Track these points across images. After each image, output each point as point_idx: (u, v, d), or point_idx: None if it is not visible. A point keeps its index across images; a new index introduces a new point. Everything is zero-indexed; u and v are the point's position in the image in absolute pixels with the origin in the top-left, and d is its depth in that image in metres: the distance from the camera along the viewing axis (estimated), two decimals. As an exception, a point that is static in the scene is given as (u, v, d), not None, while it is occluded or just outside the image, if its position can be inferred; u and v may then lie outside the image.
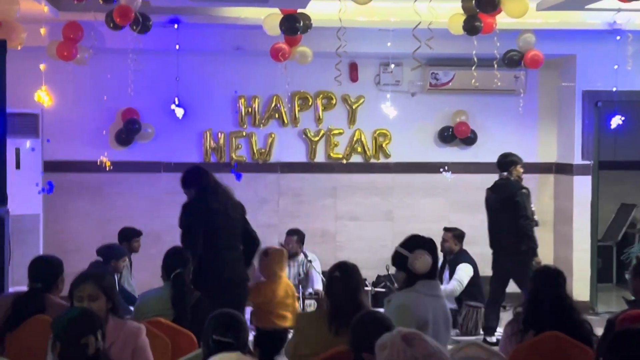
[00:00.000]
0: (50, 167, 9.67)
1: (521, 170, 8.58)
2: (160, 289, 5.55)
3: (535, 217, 8.49)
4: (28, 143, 9.31)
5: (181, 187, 6.87)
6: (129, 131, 9.75)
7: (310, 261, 8.69)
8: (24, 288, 5.26)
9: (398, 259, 4.76)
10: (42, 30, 8.29)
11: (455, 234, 8.42)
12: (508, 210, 8.27)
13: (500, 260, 8.33)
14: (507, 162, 8.54)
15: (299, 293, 8.07)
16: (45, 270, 5.06)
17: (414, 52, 7.61)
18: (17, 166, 9.10)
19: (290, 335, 5.31)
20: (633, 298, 5.25)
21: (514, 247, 8.20)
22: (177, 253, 5.80)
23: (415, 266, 4.64)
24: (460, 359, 4.33)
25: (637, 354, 2.93)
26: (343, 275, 4.84)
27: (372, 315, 4.00)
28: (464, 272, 8.30)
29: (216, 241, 6.54)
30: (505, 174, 8.50)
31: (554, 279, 4.90)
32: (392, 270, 8.23)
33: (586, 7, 8.08)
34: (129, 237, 8.43)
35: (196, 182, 6.80)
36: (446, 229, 8.48)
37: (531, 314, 4.82)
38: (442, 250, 8.36)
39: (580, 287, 9.82)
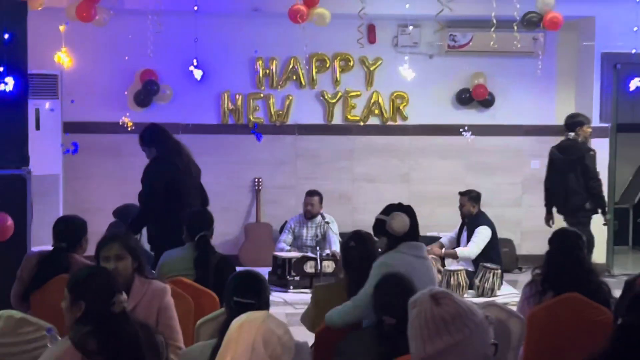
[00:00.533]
0: (70, 128, 9.74)
1: (589, 130, 8.83)
2: (183, 249, 5.61)
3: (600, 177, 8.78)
4: (47, 104, 9.37)
5: (140, 144, 7.02)
6: (147, 92, 9.79)
7: (327, 222, 8.74)
8: (44, 247, 5.35)
9: (377, 225, 4.84)
10: (62, -8, 8.30)
11: (472, 197, 8.41)
12: (575, 171, 8.58)
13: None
14: (574, 122, 8.75)
15: (316, 254, 8.16)
16: (69, 230, 5.13)
17: (437, 15, 7.58)
18: (37, 127, 9.17)
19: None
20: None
21: (579, 206, 8.59)
22: (201, 214, 5.86)
23: (393, 226, 4.71)
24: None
25: None
26: (358, 245, 4.93)
27: (394, 277, 4.05)
28: (481, 235, 8.31)
29: (179, 199, 6.78)
30: (572, 134, 8.64)
31: (572, 241, 4.93)
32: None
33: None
34: None
35: (157, 141, 6.99)
36: (461, 193, 8.49)
37: (550, 275, 4.86)
38: (461, 215, 8.41)
39: (596, 250, 9.80)
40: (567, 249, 4.89)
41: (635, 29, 9.05)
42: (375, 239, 4.98)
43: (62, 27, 8.39)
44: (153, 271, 5.48)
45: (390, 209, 4.84)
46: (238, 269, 4.75)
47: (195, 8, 8.80)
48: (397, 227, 4.72)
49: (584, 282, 4.75)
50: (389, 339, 3.60)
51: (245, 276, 3.72)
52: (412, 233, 4.82)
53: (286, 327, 2.78)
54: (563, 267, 4.80)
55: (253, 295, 3.50)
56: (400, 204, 4.91)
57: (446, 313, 2.45)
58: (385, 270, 4.40)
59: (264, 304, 3.56)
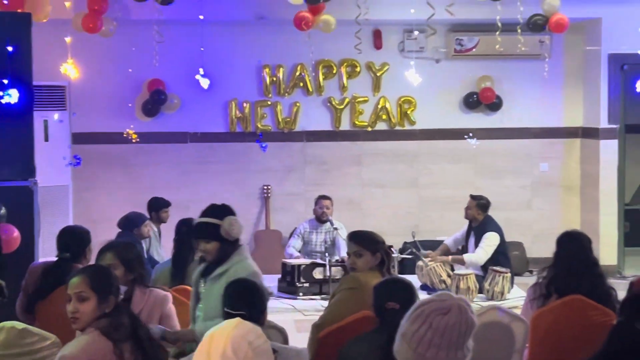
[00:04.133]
0: (79, 139, 9.78)
1: None
2: (169, 261, 5.64)
3: None
4: (56, 115, 9.41)
5: None
6: (155, 102, 9.83)
7: (336, 229, 8.73)
8: (53, 258, 5.37)
9: (208, 229, 4.61)
10: (67, 3, 8.34)
11: (480, 203, 8.35)
12: None
13: None
14: None
15: (325, 260, 8.15)
16: (72, 240, 5.16)
17: (429, 19, 7.59)
18: (46, 138, 9.21)
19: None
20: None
21: None
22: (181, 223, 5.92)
23: (234, 231, 4.57)
24: (482, 323, 4.37)
25: None
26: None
27: (393, 277, 4.09)
28: (489, 242, 8.26)
29: None
30: None
31: (579, 243, 4.91)
32: (418, 237, 8.37)
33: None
34: (158, 207, 8.51)
35: None
36: (472, 197, 8.45)
37: (556, 278, 4.84)
38: (465, 217, 8.37)
39: (607, 251, 9.82)
40: (576, 251, 4.86)
41: (642, 29, 9.06)
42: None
43: (68, 39, 8.42)
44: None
45: (217, 211, 4.65)
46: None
47: (201, 17, 8.85)
48: (237, 232, 4.62)
49: (592, 285, 4.72)
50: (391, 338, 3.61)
51: (237, 286, 3.72)
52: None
53: (260, 331, 2.76)
54: (570, 270, 4.78)
55: (244, 305, 3.47)
56: (223, 205, 4.75)
57: (448, 324, 2.56)
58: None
59: (257, 314, 3.54)
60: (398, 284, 3.95)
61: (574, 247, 4.98)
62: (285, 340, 4.45)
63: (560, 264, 4.87)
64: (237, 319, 2.79)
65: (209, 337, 2.72)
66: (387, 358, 3.42)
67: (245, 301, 3.58)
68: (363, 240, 5.04)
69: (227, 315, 3.48)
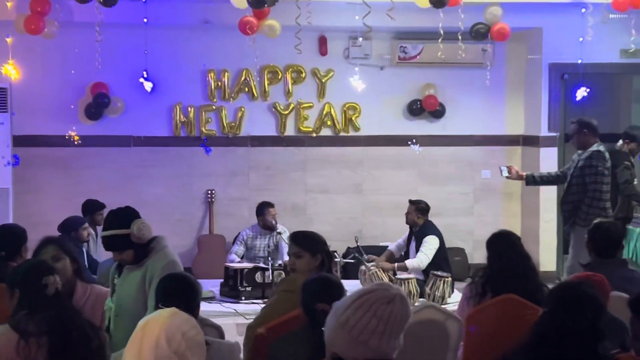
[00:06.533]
0: (20, 141, 9.66)
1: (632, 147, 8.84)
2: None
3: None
4: (-3, 117, 9.30)
5: None
6: (98, 105, 9.76)
7: (279, 233, 8.74)
8: (-11, 258, 5.31)
9: (118, 241, 4.56)
10: (9, 4, 8.28)
11: (419, 208, 8.43)
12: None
13: None
14: (625, 133, 8.85)
15: (268, 265, 8.15)
16: (8, 239, 5.12)
17: (364, 17, 7.62)
18: (-14, 141, 9.09)
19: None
20: (588, 262, 5.36)
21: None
22: None
23: (145, 235, 4.55)
24: (417, 321, 4.43)
25: (569, 301, 3.10)
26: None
27: (322, 276, 4.12)
28: (429, 245, 8.34)
29: None
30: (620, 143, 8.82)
31: (508, 241, 5.01)
32: (361, 242, 8.42)
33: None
34: (92, 210, 8.45)
35: None
36: (411, 202, 8.54)
37: (490, 277, 4.92)
38: (406, 222, 8.44)
39: (547, 257, 10.00)
40: (505, 249, 4.96)
41: (581, 39, 9.23)
42: None
43: (9, 40, 8.34)
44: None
45: (122, 219, 4.59)
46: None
47: (145, 20, 8.82)
48: (148, 234, 4.59)
49: (526, 281, 4.82)
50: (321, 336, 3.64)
51: (170, 282, 3.72)
52: None
53: (194, 323, 2.76)
54: (503, 268, 4.87)
55: (177, 301, 3.46)
56: (126, 210, 4.71)
57: (391, 314, 2.65)
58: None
59: (191, 310, 3.52)
60: (328, 284, 3.94)
61: (503, 245, 5.10)
62: (221, 337, 4.44)
63: (494, 263, 4.96)
64: (173, 309, 2.79)
65: (143, 324, 2.72)
66: (316, 356, 3.46)
67: (179, 296, 3.57)
68: (303, 241, 5.03)
69: None
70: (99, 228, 8.40)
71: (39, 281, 3.44)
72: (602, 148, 7.84)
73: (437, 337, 4.56)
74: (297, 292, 4.38)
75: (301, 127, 10.30)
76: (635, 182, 8.71)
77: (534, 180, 8.53)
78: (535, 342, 2.97)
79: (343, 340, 2.66)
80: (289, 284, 4.85)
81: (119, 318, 4.54)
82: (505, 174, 8.55)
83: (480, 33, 8.95)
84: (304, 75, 10.24)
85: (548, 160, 10.07)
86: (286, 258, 8.35)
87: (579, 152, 8.01)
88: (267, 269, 8.06)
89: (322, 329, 2.75)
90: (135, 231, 4.48)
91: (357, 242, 8.21)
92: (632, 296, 3.63)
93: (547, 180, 8.55)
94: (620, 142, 8.94)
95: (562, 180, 8.34)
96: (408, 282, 7.99)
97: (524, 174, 8.47)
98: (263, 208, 8.89)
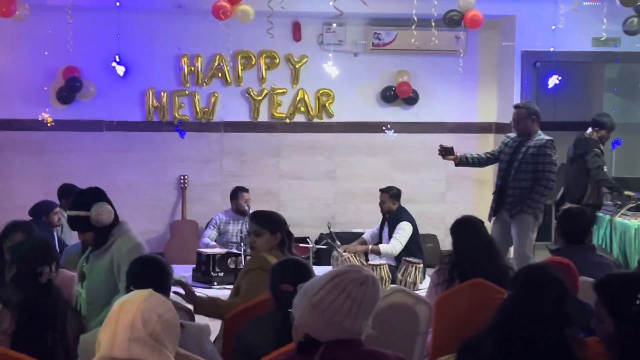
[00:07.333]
0: (-9, 125, 9.60)
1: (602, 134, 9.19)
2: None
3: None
4: (-33, 101, 9.22)
5: None
6: (70, 89, 9.69)
7: (252, 219, 8.73)
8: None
9: (79, 222, 4.66)
10: (-20, -14, 8.18)
11: (392, 194, 8.47)
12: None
13: None
14: (594, 120, 9.16)
15: (241, 250, 8.16)
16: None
17: (335, 1, 7.62)
18: (-43, 125, 9.01)
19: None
20: (557, 247, 5.42)
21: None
22: None
23: (104, 219, 4.61)
24: (387, 305, 4.45)
25: (533, 284, 3.18)
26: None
27: (288, 258, 4.14)
28: (403, 232, 8.39)
29: None
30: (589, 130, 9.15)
31: (471, 226, 5.07)
32: (334, 228, 8.43)
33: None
34: (68, 194, 8.39)
35: None
36: (381, 190, 8.56)
37: (456, 263, 4.97)
38: (382, 212, 8.47)
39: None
40: (469, 234, 5.01)
41: (554, 27, 9.27)
42: None
43: (-20, 22, 8.26)
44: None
45: (85, 201, 4.66)
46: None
47: (117, 4, 8.77)
48: (107, 219, 4.63)
49: (492, 266, 4.87)
50: (287, 321, 3.65)
51: (142, 264, 3.73)
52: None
53: (170, 305, 2.78)
54: (469, 253, 4.91)
55: (149, 283, 3.47)
56: (91, 191, 4.78)
57: (364, 295, 2.72)
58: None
59: (163, 292, 3.54)
60: (292, 266, 3.98)
61: (467, 231, 5.18)
62: (191, 320, 4.45)
63: (459, 249, 5.01)
64: (150, 290, 2.80)
65: (119, 305, 2.73)
66: (281, 338, 3.47)
67: (150, 278, 3.58)
68: (262, 220, 5.13)
69: None
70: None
71: (35, 267, 3.48)
72: (550, 137, 7.95)
73: (407, 321, 4.60)
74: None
75: (275, 113, 10.28)
76: (605, 169, 8.80)
77: (467, 161, 8.55)
78: (499, 326, 3.00)
79: (316, 322, 2.67)
80: (261, 262, 4.86)
81: (91, 306, 4.56)
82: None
83: (453, 20, 8.97)
84: (277, 61, 10.22)
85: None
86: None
87: (515, 136, 8.07)
88: (239, 255, 8.08)
89: (289, 310, 2.76)
90: (94, 215, 4.55)
91: (329, 228, 8.22)
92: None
93: (477, 162, 8.55)
94: (590, 129, 9.02)
95: (492, 162, 8.40)
96: (380, 268, 8.02)
97: (458, 154, 8.51)
98: (237, 192, 8.90)
